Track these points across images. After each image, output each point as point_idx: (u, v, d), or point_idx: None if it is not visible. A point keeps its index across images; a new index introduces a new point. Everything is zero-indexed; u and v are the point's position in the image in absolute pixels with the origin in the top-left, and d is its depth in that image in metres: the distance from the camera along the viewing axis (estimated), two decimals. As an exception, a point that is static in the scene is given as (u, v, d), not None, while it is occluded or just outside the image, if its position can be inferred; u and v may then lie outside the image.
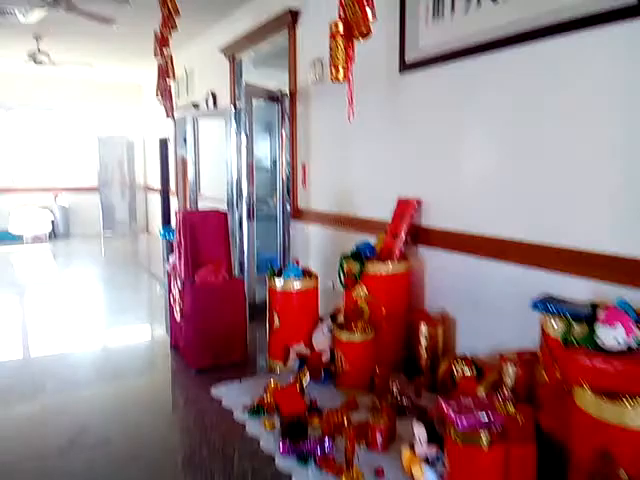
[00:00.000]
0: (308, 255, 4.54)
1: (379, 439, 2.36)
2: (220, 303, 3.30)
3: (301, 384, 2.85)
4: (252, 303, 4.49)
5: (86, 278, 6.57)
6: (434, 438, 2.11)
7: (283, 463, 2.29)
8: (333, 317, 3.23)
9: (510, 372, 2.46)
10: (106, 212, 10.40)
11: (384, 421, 2.38)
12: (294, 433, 2.44)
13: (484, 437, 1.84)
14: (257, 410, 2.74)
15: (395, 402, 2.68)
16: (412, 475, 2.11)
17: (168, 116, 4.88)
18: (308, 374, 2.91)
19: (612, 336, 1.63)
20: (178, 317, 3.54)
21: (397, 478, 2.16)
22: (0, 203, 9.28)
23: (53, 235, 9.56)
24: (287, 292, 3.25)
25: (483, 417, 1.88)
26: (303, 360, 3.20)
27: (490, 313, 2.81)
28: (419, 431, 2.11)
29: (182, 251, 3.39)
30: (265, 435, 2.54)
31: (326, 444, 2.34)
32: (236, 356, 3.43)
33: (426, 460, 2.13)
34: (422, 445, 2.11)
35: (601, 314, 1.77)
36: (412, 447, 2.15)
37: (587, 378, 1.67)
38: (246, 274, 4.47)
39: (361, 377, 2.97)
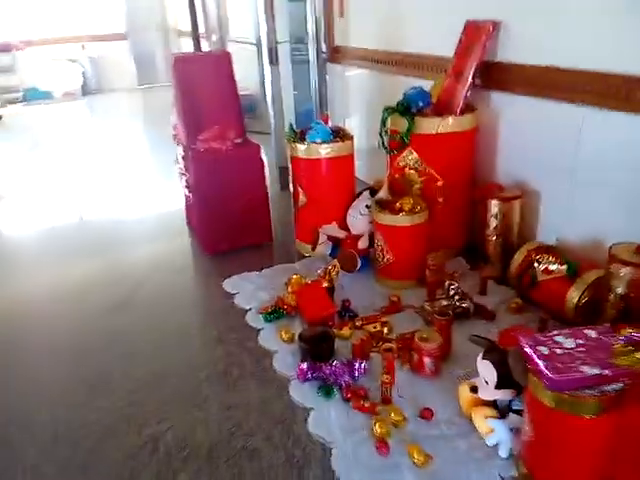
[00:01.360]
0: (347, 108, 3.68)
1: (428, 364, 1.76)
2: (231, 174, 2.61)
3: (330, 279, 2.24)
4: (284, 168, 3.78)
5: (122, 137, 5.96)
6: (506, 380, 1.47)
7: (299, 393, 1.75)
8: (373, 192, 2.50)
9: (622, 274, 1.71)
10: (140, 62, 9.51)
11: (437, 341, 1.75)
12: (317, 350, 1.87)
13: (591, 404, 1.18)
14: (275, 313, 2.17)
15: (452, 306, 2.04)
16: (474, 424, 1.53)
17: None
18: (338, 266, 2.29)
19: None
20: (186, 192, 2.92)
21: (452, 423, 1.57)
22: (21, 58, 8.52)
23: (85, 90, 8.87)
24: (313, 160, 2.49)
25: (591, 370, 1.20)
26: (336, 245, 2.55)
27: (594, 188, 1.98)
28: (487, 373, 1.47)
29: (180, 108, 2.64)
30: (281, 349, 1.99)
31: (356, 369, 1.77)
32: (258, 238, 2.83)
33: (494, 405, 1.51)
34: (489, 389, 1.48)
35: None
36: (474, 388, 1.53)
37: None
38: (273, 134, 3.71)
39: (408, 269, 2.31)
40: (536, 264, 2.06)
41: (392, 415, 1.59)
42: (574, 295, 1.90)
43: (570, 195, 2.09)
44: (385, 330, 2.01)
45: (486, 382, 1.49)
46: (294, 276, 2.29)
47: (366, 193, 2.50)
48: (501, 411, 1.50)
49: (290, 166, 2.68)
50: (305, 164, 2.52)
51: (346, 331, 2.01)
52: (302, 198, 2.60)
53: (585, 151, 1.99)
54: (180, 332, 2.19)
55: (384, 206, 2.32)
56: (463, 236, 2.52)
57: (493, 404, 1.52)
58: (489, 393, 1.49)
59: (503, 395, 1.48)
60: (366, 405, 1.64)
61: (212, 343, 2.09)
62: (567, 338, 1.31)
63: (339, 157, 2.50)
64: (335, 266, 2.29)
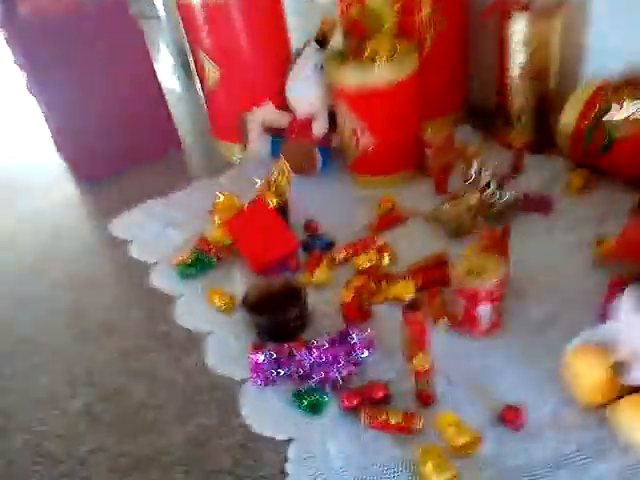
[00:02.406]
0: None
1: (485, 316, 0.96)
2: (84, 50, 1.60)
3: (280, 193, 1.36)
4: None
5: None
6: None
7: (258, 410, 0.94)
8: (321, 41, 1.57)
9: None
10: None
11: (496, 272, 0.94)
12: (280, 322, 1.04)
13: None
14: (198, 263, 1.30)
15: (489, 203, 1.23)
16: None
17: None
18: (288, 170, 1.40)
19: None
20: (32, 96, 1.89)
21: (568, 428, 0.81)
22: None
23: None
24: (215, 4, 1.51)
25: None
26: (278, 137, 1.65)
27: None
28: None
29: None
30: (215, 327, 1.14)
31: (357, 346, 0.96)
32: (157, 147, 1.88)
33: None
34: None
35: None
36: (614, 366, 0.74)
37: None
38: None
39: (398, 156, 1.46)
40: (613, 110, 1.24)
41: (452, 435, 0.80)
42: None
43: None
44: (386, 260, 1.19)
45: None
46: (221, 196, 1.40)
47: (312, 46, 1.57)
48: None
49: (181, 23, 1.68)
50: (204, 13, 1.53)
51: (321, 274, 1.18)
52: (211, 72, 1.63)
53: None
54: (46, 316, 1.30)
55: (345, 57, 1.41)
56: (463, 91, 1.66)
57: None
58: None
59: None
60: (392, 421, 0.85)
61: (93, 334, 1.21)
62: None
63: (256, -7, 1.52)
64: (283, 170, 1.41)
